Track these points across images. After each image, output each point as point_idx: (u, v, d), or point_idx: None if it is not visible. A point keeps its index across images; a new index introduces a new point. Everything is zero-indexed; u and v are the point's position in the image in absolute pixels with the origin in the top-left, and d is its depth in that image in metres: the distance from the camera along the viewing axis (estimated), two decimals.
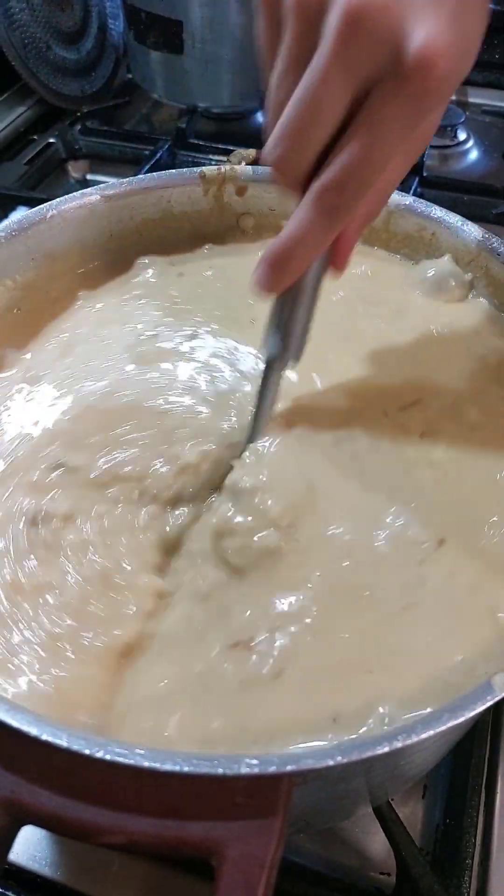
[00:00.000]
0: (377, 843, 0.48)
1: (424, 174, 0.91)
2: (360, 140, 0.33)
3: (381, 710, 0.35)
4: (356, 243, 0.40)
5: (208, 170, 0.59)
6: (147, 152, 0.95)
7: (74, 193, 0.56)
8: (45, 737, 0.30)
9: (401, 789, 0.48)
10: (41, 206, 0.55)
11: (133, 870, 0.46)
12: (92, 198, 0.57)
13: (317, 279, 0.39)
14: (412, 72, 0.31)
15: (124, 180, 0.58)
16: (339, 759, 0.29)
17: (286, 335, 0.40)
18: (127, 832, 0.29)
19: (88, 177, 1.01)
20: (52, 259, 0.56)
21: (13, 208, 0.91)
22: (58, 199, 0.56)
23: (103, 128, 1.02)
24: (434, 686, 0.36)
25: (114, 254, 0.59)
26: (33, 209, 0.55)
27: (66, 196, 0.56)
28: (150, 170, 0.91)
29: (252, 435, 0.44)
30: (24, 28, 0.96)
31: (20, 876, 0.46)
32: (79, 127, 1.02)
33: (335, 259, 0.39)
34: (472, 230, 0.54)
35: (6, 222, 0.54)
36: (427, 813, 0.50)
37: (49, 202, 0.56)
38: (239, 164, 0.60)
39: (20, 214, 0.55)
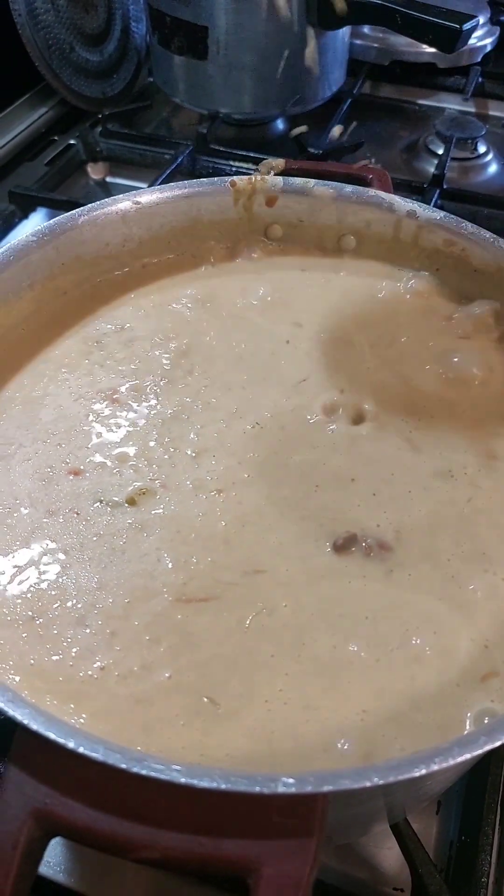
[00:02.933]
0: (390, 857, 0.48)
1: (445, 186, 0.91)
2: None
3: None
4: None
5: (239, 180, 0.59)
6: (167, 156, 0.95)
7: (106, 200, 0.56)
8: (81, 749, 0.30)
9: (419, 807, 0.48)
10: (73, 211, 0.55)
11: (147, 878, 0.46)
12: (123, 204, 0.57)
13: None
14: None
15: (156, 187, 0.58)
16: (376, 780, 0.29)
17: None
18: (161, 848, 0.29)
19: (108, 179, 1.01)
20: (81, 264, 0.57)
21: (33, 209, 0.91)
22: (89, 205, 0.56)
23: (124, 130, 1.02)
24: None
25: (142, 260, 0.60)
26: (65, 215, 0.55)
27: (98, 202, 0.56)
28: (172, 174, 0.91)
29: None
30: (49, 29, 0.96)
31: (35, 882, 0.46)
32: (99, 129, 1.02)
33: None
34: None
35: (39, 227, 0.54)
36: (441, 829, 0.50)
37: (80, 207, 0.56)
38: (268, 174, 0.60)
39: (52, 220, 0.55)
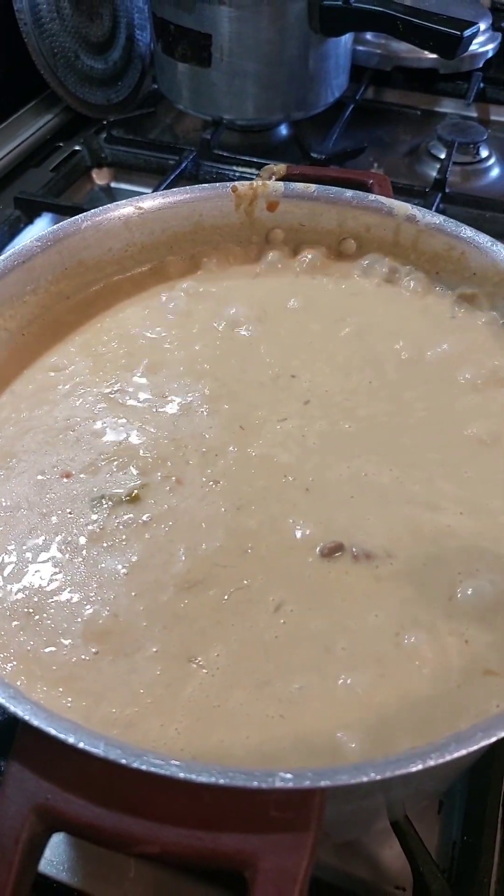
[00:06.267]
0: (391, 856, 0.48)
1: (447, 190, 0.91)
2: None
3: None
4: None
5: (241, 185, 0.59)
6: (172, 162, 0.96)
7: (109, 205, 0.57)
8: (81, 745, 0.30)
9: (420, 805, 0.49)
10: (76, 217, 0.56)
11: (149, 877, 0.46)
12: (126, 210, 0.57)
13: None
14: None
15: (158, 193, 0.59)
16: (373, 775, 0.29)
17: None
18: (161, 842, 0.29)
19: (113, 185, 1.02)
20: (83, 269, 0.57)
21: (38, 215, 0.92)
22: (92, 211, 0.57)
23: (128, 137, 1.03)
24: None
25: (144, 265, 0.61)
26: (68, 220, 0.56)
27: (101, 208, 0.57)
28: (176, 180, 0.92)
29: None
30: (54, 37, 0.97)
31: (37, 880, 0.46)
32: (104, 135, 1.03)
33: None
34: (502, 251, 0.54)
35: (42, 232, 0.55)
36: (443, 829, 0.50)
37: (84, 213, 0.56)
38: (270, 179, 0.61)
39: (56, 225, 0.56)
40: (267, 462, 0.49)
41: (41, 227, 0.92)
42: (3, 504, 0.47)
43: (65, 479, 0.48)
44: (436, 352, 0.55)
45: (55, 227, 0.55)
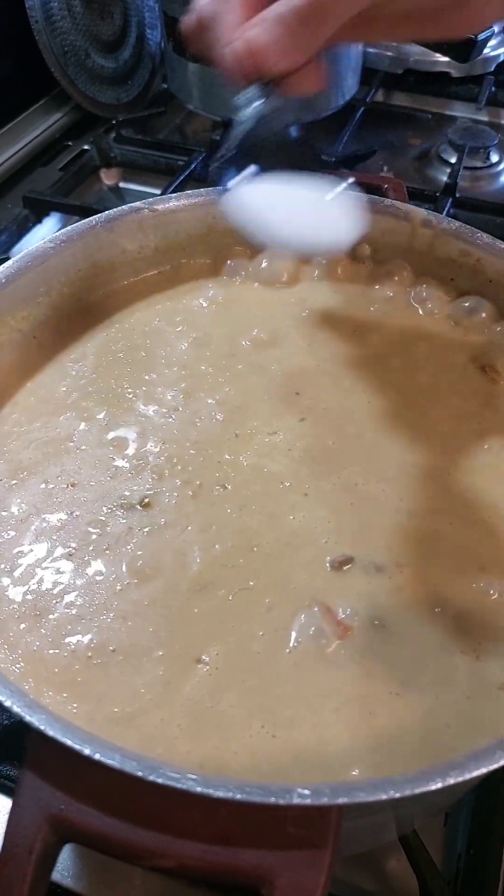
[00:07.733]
0: (398, 869, 0.48)
1: (457, 195, 0.91)
2: None
3: None
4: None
5: None
6: (181, 163, 0.96)
7: (123, 207, 0.57)
8: (97, 756, 0.30)
9: (427, 819, 0.48)
10: (90, 218, 0.56)
11: (155, 885, 0.46)
12: (140, 212, 0.57)
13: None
14: None
15: (172, 195, 0.58)
16: (392, 793, 0.29)
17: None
18: (177, 856, 0.29)
19: (121, 185, 1.02)
20: (97, 270, 0.57)
21: (47, 214, 0.92)
22: (106, 213, 0.56)
23: (137, 136, 1.03)
24: None
25: (157, 267, 0.60)
26: (82, 221, 0.55)
27: (115, 209, 0.57)
28: (185, 181, 0.91)
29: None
30: (65, 35, 0.97)
31: None
32: (113, 135, 1.03)
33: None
34: None
35: (56, 233, 0.54)
36: (448, 841, 0.50)
37: (97, 215, 0.56)
38: None
39: (70, 226, 0.55)
40: (258, 470, 0.48)
41: (49, 226, 0.92)
42: (14, 512, 0.47)
43: (71, 488, 0.47)
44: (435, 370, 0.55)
45: (69, 228, 0.55)
